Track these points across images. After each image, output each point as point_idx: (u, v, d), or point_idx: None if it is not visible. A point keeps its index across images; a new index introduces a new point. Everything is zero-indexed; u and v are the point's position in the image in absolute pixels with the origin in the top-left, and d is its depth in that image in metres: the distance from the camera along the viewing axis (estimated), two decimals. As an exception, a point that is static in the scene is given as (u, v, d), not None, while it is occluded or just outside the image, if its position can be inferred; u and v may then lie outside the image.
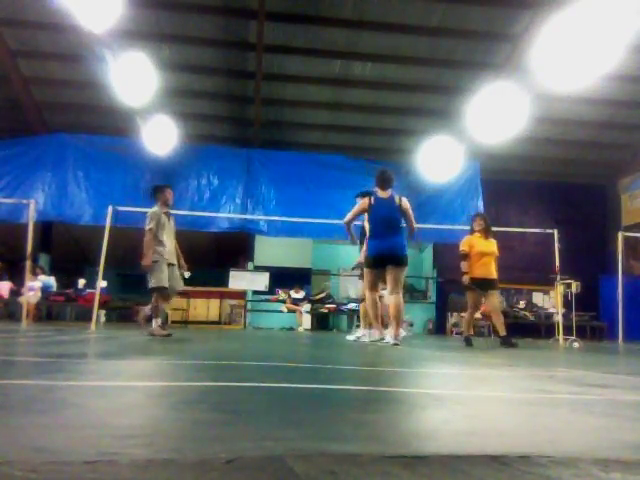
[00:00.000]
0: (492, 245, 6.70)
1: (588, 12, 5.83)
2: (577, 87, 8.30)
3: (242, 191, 11.98)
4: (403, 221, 5.65)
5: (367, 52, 11.23)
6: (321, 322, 13.75)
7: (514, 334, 8.71)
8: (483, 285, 6.49)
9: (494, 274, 6.56)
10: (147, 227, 6.05)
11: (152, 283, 5.89)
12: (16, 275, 11.00)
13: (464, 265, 6.57)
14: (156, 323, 5.88)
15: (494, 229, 6.98)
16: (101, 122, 12.77)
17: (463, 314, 14.04)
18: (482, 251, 6.60)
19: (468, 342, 6.38)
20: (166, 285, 5.89)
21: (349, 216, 5.78)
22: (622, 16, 5.68)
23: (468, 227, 7.00)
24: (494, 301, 6.57)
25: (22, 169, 11.45)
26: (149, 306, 6.17)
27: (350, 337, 6.76)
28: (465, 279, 6.56)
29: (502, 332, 6.36)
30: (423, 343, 7.27)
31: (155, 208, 6.20)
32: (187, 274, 6.33)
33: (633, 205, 14.81)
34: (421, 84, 12.08)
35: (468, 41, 10.86)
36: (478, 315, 13.46)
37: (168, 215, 6.31)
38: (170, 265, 6.08)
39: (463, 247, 6.71)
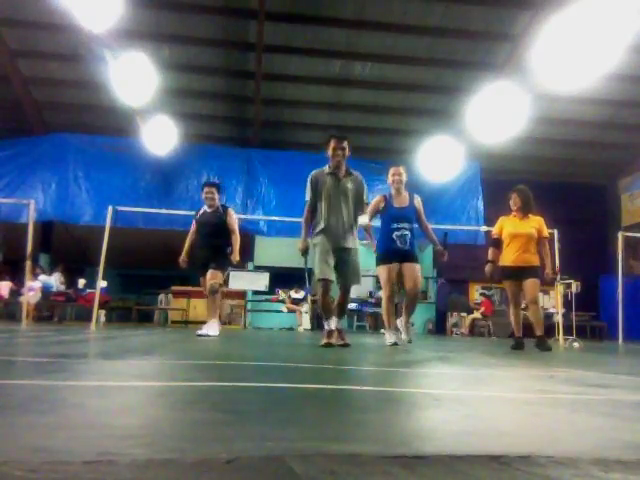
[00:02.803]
0: (528, 225, 5.59)
1: (588, 12, 5.83)
2: (577, 87, 8.31)
3: (242, 191, 11.99)
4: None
5: (367, 52, 11.24)
6: (321, 322, 13.74)
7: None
8: (516, 274, 5.49)
9: (530, 261, 5.50)
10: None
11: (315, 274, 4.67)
12: (16, 275, 11.02)
13: (489, 252, 5.74)
14: (327, 326, 4.60)
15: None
16: (101, 122, 12.78)
17: (463, 314, 14.15)
18: (512, 233, 5.58)
19: (516, 345, 5.52)
20: (325, 277, 4.51)
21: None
22: (622, 16, 5.69)
23: (468, 227, 6.76)
24: (529, 292, 5.49)
25: (22, 169, 11.46)
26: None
27: (202, 331, 5.96)
28: (487, 269, 5.67)
29: (539, 331, 5.47)
30: (423, 343, 7.27)
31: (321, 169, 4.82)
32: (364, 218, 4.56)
33: (633, 205, 14.83)
34: (421, 84, 12.08)
35: (468, 41, 10.86)
36: (478, 315, 13.51)
37: (339, 177, 4.73)
38: (340, 250, 4.60)
39: (493, 230, 5.87)
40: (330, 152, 4.77)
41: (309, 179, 4.81)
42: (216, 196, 6.22)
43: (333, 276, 4.60)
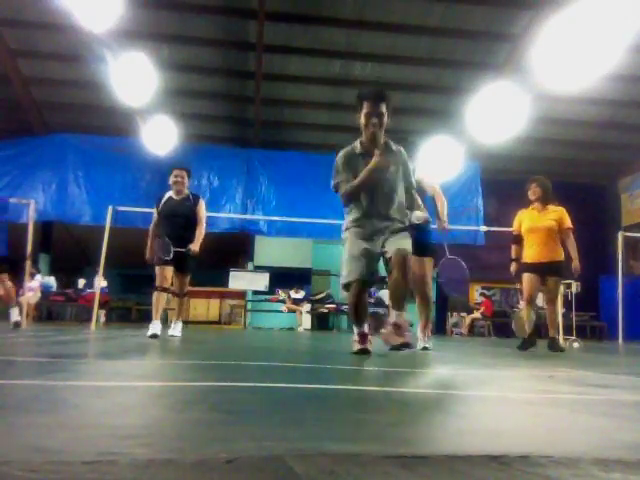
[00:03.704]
0: (547, 218, 5.26)
1: (588, 12, 5.83)
2: (577, 87, 8.30)
3: (242, 191, 12.00)
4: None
5: (367, 52, 11.24)
6: (321, 322, 13.76)
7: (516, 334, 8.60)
8: (537, 271, 5.19)
9: (552, 256, 5.18)
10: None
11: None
12: (16, 275, 11.03)
13: (512, 250, 5.48)
14: (358, 329, 3.58)
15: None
16: (101, 122, 12.78)
17: (463, 314, 14.12)
18: (530, 227, 5.29)
19: (523, 344, 5.27)
20: (354, 278, 3.47)
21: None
22: (622, 16, 5.68)
23: (468, 227, 6.58)
24: (550, 291, 5.24)
25: (22, 169, 11.46)
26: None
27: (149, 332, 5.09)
28: (512, 268, 5.42)
29: (552, 331, 5.27)
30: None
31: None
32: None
33: (633, 205, 14.83)
34: (421, 84, 12.08)
35: (468, 41, 10.86)
36: (478, 315, 13.50)
37: (381, 153, 3.59)
38: (371, 240, 3.52)
39: (513, 226, 5.56)
40: (362, 120, 3.66)
41: (339, 160, 3.69)
42: (186, 181, 5.60)
43: (367, 274, 3.50)
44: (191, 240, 5.43)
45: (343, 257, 3.60)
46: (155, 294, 5.30)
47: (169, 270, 5.34)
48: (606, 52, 6.29)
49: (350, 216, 3.64)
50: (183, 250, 5.33)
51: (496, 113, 9.00)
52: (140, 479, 0.73)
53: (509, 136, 10.12)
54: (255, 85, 11.87)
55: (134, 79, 8.59)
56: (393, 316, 3.40)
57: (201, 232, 5.55)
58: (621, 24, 5.77)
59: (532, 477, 0.78)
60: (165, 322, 13.21)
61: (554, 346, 5.23)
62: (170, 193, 5.59)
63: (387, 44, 11.01)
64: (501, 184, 13.35)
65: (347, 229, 3.65)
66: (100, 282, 13.06)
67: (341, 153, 3.74)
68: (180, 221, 5.43)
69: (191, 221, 5.49)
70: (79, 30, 8.03)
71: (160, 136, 10.61)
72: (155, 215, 5.61)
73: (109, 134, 12.21)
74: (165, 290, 5.35)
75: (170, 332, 5.52)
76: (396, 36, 10.80)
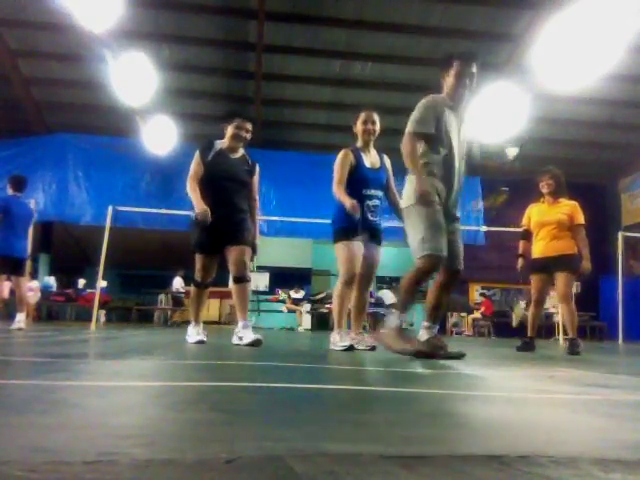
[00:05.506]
0: (558, 211, 5.05)
1: (588, 12, 5.83)
2: (577, 87, 8.30)
3: (242, 191, 12.00)
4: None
5: (367, 52, 11.24)
6: (321, 322, 13.76)
7: (516, 334, 8.64)
8: (545, 266, 4.91)
9: (562, 249, 4.88)
10: (410, 128, 3.22)
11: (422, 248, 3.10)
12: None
13: (520, 245, 5.24)
14: (398, 321, 3.18)
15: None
16: (101, 122, 12.79)
17: (463, 314, 14.12)
18: (540, 221, 5.05)
19: (524, 345, 5.03)
20: (442, 253, 3.11)
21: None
22: (622, 16, 5.69)
23: (468, 227, 6.54)
24: (560, 287, 4.85)
25: (22, 169, 11.42)
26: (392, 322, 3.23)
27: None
28: (518, 264, 5.16)
29: (571, 332, 4.92)
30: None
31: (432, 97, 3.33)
32: None
33: (633, 205, 14.83)
34: (421, 84, 12.06)
35: (468, 41, 10.86)
36: (478, 315, 13.50)
37: (457, 112, 3.42)
38: (450, 218, 3.27)
39: (522, 221, 5.32)
40: (452, 80, 3.55)
41: (428, 104, 3.40)
42: (249, 138, 4.25)
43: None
44: (246, 212, 4.24)
45: (426, 219, 3.06)
46: (194, 291, 4.30)
47: (214, 261, 4.21)
48: (606, 52, 6.30)
49: (428, 166, 3.20)
50: (237, 219, 4.14)
51: (496, 113, 9.01)
52: (140, 479, 0.73)
53: (509, 136, 10.12)
54: (255, 85, 11.87)
55: (134, 79, 8.60)
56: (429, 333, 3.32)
57: (257, 214, 4.43)
58: (621, 24, 5.77)
59: (532, 477, 0.78)
60: (165, 323, 13.16)
61: (573, 348, 4.83)
62: (221, 145, 4.20)
63: (387, 44, 11.01)
64: (501, 184, 13.35)
65: (426, 180, 3.11)
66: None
67: (433, 98, 3.44)
68: (237, 188, 4.17)
69: (248, 190, 4.26)
70: (79, 30, 8.03)
71: (160, 136, 10.62)
72: (198, 168, 4.10)
73: (109, 134, 12.22)
74: (207, 287, 4.29)
75: (241, 339, 4.14)
76: (396, 36, 10.80)
